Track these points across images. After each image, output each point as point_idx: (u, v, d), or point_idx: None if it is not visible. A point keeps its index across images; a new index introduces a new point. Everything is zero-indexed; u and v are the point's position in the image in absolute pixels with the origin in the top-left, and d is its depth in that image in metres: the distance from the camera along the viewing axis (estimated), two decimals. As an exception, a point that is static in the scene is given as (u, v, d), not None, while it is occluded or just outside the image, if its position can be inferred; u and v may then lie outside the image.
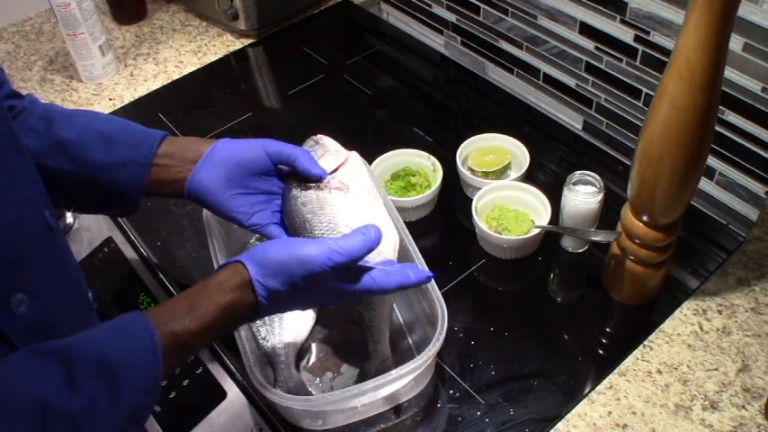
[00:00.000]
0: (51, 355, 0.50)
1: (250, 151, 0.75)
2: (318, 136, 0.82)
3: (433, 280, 0.77)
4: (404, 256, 0.84)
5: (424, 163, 1.02)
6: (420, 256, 0.80)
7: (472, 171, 1.00)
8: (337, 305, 0.75)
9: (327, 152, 0.79)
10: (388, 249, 0.74)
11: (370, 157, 0.97)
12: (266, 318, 0.78)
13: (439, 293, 0.76)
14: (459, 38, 1.28)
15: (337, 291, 0.66)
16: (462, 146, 1.02)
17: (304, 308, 0.75)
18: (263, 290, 0.62)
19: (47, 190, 0.61)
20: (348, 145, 0.91)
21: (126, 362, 0.53)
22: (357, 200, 0.74)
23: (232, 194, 0.74)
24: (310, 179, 0.75)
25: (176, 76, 1.29)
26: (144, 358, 0.54)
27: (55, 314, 0.57)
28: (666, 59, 0.65)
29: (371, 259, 0.69)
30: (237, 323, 0.67)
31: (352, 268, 0.65)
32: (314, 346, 0.85)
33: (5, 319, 0.51)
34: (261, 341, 0.79)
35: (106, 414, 0.50)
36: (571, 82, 1.11)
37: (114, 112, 1.22)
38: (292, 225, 0.76)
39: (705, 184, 0.98)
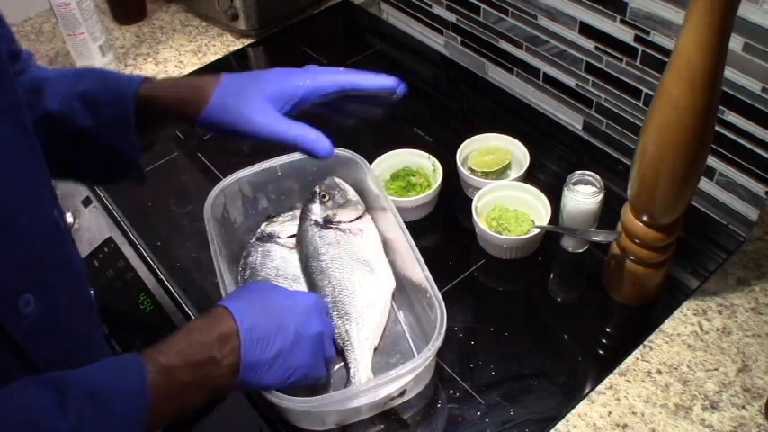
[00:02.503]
0: (46, 382, 0.52)
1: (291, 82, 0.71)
2: (338, 180, 0.92)
3: (432, 280, 0.77)
4: (403, 253, 0.84)
5: (424, 163, 1.02)
6: (420, 256, 0.80)
7: (472, 171, 0.99)
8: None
9: (349, 201, 0.91)
10: (384, 290, 0.84)
11: (370, 157, 0.97)
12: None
13: (438, 293, 0.76)
14: (459, 38, 1.28)
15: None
16: (462, 146, 1.02)
17: None
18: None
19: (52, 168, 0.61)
20: (348, 145, 0.91)
21: (114, 390, 0.54)
22: (369, 244, 0.89)
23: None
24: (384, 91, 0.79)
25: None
26: (131, 388, 0.55)
27: (58, 312, 0.58)
28: (666, 59, 0.65)
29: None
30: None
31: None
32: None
33: (12, 320, 0.52)
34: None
35: None
36: (571, 82, 1.11)
37: (114, 112, 1.22)
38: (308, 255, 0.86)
39: (705, 184, 0.98)
